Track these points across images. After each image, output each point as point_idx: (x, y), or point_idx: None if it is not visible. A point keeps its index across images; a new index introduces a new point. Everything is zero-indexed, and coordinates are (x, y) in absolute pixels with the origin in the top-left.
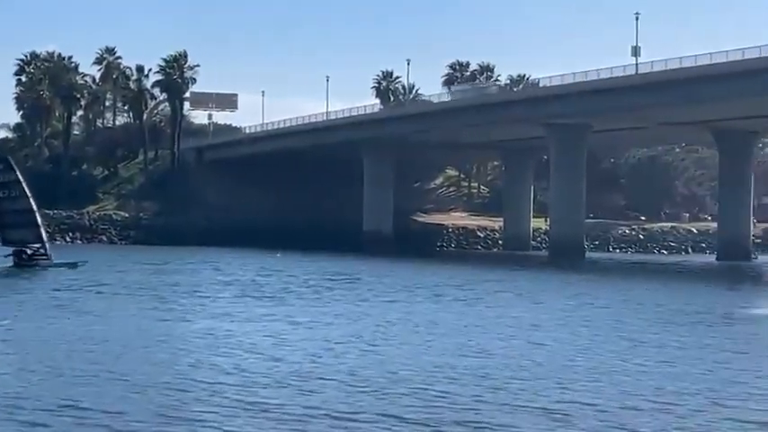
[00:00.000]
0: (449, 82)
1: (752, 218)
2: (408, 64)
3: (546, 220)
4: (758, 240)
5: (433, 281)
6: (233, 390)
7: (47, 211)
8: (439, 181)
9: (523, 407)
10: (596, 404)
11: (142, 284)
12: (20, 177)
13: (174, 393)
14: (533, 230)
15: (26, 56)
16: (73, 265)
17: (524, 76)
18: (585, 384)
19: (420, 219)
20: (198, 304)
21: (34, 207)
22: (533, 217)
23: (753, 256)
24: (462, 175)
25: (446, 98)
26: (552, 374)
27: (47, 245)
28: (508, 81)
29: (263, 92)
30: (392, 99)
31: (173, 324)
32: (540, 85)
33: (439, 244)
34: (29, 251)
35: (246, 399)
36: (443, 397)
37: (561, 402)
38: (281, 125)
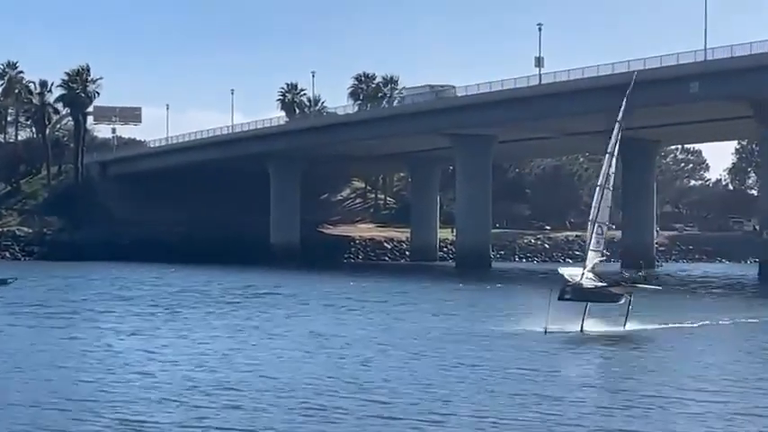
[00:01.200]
0: (354, 94)
1: (655, 226)
2: (313, 76)
3: (453, 231)
4: (662, 248)
5: (313, 293)
6: (109, 407)
7: None
8: (345, 193)
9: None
10: None
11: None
12: None
13: (51, 412)
14: (440, 241)
15: None
16: (3, 282)
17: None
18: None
19: (327, 230)
20: (87, 320)
21: None
22: (440, 227)
23: (657, 263)
24: (369, 187)
25: (351, 110)
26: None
27: None
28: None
29: (167, 105)
30: (297, 112)
31: (57, 342)
32: (445, 96)
33: (346, 255)
34: None
35: (124, 416)
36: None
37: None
38: (186, 139)
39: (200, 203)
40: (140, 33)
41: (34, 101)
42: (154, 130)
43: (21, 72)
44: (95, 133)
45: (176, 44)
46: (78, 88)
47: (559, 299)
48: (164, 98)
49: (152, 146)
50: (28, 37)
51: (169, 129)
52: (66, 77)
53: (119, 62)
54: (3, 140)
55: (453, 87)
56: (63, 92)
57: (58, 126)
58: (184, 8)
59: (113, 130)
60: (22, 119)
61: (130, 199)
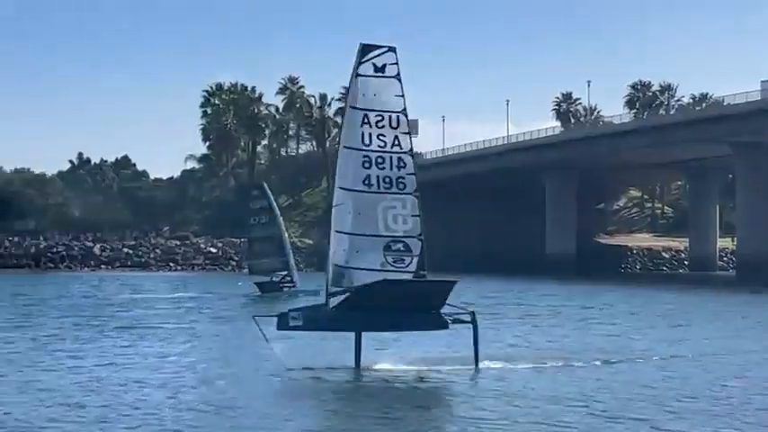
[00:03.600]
0: (630, 102)
1: None
2: (588, 86)
3: (733, 240)
4: None
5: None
6: None
7: (233, 240)
8: (622, 202)
9: None
10: None
11: None
12: (272, 204)
13: None
14: (720, 250)
15: (211, 87)
16: (315, 293)
17: (707, 94)
18: None
19: (603, 240)
20: None
21: (284, 234)
22: (720, 237)
23: None
24: (646, 196)
25: (627, 119)
26: None
27: (294, 272)
28: (690, 100)
29: (443, 117)
30: (572, 121)
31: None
32: (725, 103)
33: (623, 265)
34: (275, 278)
35: None
36: None
37: None
38: (461, 150)
39: (473, 214)
40: (416, 45)
41: (314, 115)
42: (430, 141)
43: (302, 87)
44: None
45: (450, 56)
46: None
47: (279, 327)
48: (439, 110)
49: (428, 158)
50: (308, 52)
51: (445, 140)
52: (344, 91)
53: None
54: (284, 154)
55: None
56: (342, 105)
57: (338, 139)
58: (455, 19)
59: None
60: (302, 132)
61: None
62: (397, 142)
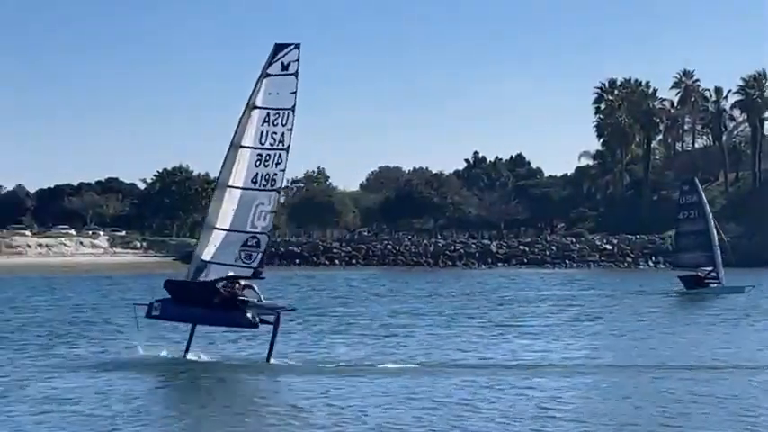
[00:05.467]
0: None
1: None
2: None
3: None
4: None
5: None
6: None
7: (628, 236)
8: None
9: None
10: None
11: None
12: (702, 199)
13: None
14: None
15: (604, 84)
16: (740, 290)
17: None
18: None
19: None
20: None
21: (711, 229)
22: None
23: None
24: None
25: None
26: None
27: (720, 268)
28: None
29: None
30: None
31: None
32: None
33: None
34: (700, 273)
35: None
36: None
37: None
38: None
39: None
40: None
41: (710, 108)
42: None
43: (697, 80)
44: None
45: None
46: (755, 94)
47: (147, 315)
48: None
49: None
50: (703, 45)
51: None
52: (742, 83)
53: None
54: (680, 149)
55: None
56: (739, 98)
57: (735, 133)
58: None
59: None
60: (698, 127)
61: None
62: (282, 139)
